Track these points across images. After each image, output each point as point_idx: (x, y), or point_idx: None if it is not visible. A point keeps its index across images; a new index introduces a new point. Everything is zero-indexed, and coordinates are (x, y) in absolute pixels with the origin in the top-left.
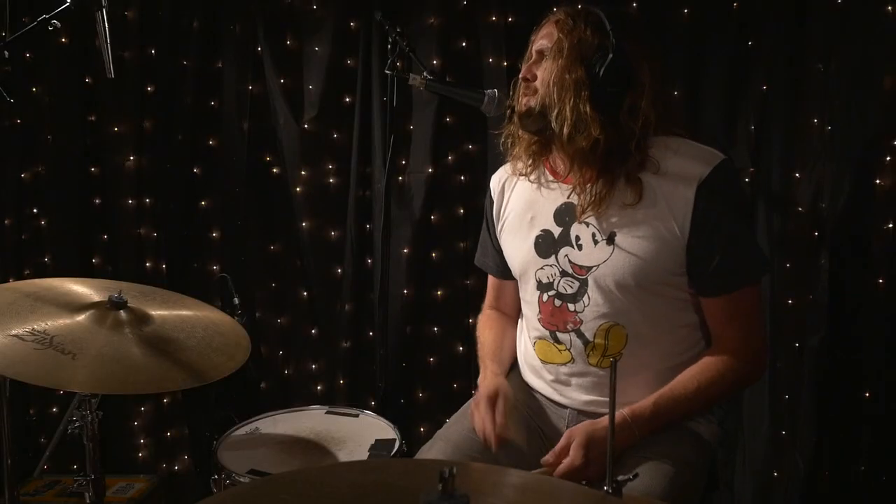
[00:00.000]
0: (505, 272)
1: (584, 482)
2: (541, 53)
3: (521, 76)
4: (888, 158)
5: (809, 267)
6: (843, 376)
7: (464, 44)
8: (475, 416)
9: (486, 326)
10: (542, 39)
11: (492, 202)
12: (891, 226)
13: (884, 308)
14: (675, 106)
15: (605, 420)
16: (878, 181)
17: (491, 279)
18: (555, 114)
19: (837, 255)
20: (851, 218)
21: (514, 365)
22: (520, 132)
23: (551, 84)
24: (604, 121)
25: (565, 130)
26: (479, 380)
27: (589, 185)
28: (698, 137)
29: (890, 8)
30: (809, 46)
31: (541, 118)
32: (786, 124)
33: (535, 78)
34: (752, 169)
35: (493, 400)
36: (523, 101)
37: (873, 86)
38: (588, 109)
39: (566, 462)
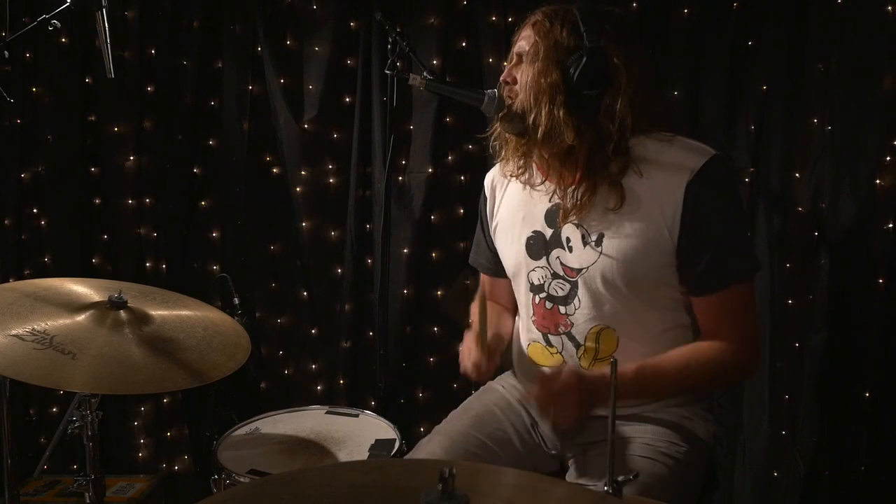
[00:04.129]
0: (498, 271)
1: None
2: (520, 56)
3: (501, 79)
4: (888, 158)
5: (809, 267)
6: (843, 376)
7: (464, 44)
8: (463, 353)
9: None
10: (521, 41)
11: (486, 201)
12: (891, 226)
13: (884, 308)
14: (665, 105)
15: (593, 373)
16: (878, 181)
17: (484, 277)
18: (531, 118)
19: (837, 255)
20: (851, 218)
21: (509, 369)
22: (501, 129)
23: (528, 88)
24: (579, 125)
25: (539, 135)
26: None
27: (571, 188)
28: (698, 137)
29: (890, 8)
30: (809, 46)
31: (520, 121)
32: (786, 124)
33: (514, 81)
34: (752, 169)
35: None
36: (507, 103)
37: (873, 86)
38: (562, 114)
39: (559, 382)
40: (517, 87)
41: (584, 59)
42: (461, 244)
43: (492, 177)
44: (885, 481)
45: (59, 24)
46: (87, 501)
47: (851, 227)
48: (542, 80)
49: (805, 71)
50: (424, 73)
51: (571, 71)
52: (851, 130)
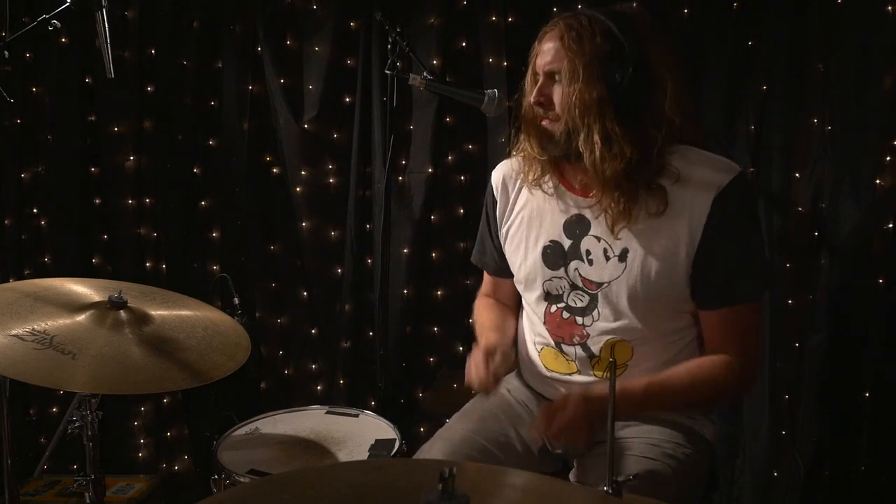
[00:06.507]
0: (504, 272)
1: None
2: (551, 75)
3: (533, 101)
4: (888, 158)
5: (809, 267)
6: (843, 376)
7: (464, 44)
8: (470, 367)
9: (484, 309)
10: (548, 57)
11: (494, 202)
12: (891, 226)
13: (884, 308)
14: (697, 109)
15: (599, 386)
16: (878, 181)
17: (488, 276)
18: (582, 138)
19: (837, 255)
20: (851, 218)
21: (513, 364)
22: (536, 152)
23: (573, 107)
24: (633, 136)
25: (597, 154)
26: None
27: (610, 198)
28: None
29: (890, 7)
30: (809, 46)
31: (566, 143)
32: (786, 124)
33: (549, 102)
34: (752, 169)
35: (490, 353)
36: (544, 124)
37: (873, 86)
38: (617, 129)
39: (566, 413)
40: (556, 108)
41: (630, 66)
42: (461, 244)
43: (501, 174)
44: (885, 481)
45: (59, 24)
46: (87, 501)
47: (851, 227)
48: (588, 97)
49: (805, 71)
50: (424, 73)
51: (618, 80)
52: (851, 130)
